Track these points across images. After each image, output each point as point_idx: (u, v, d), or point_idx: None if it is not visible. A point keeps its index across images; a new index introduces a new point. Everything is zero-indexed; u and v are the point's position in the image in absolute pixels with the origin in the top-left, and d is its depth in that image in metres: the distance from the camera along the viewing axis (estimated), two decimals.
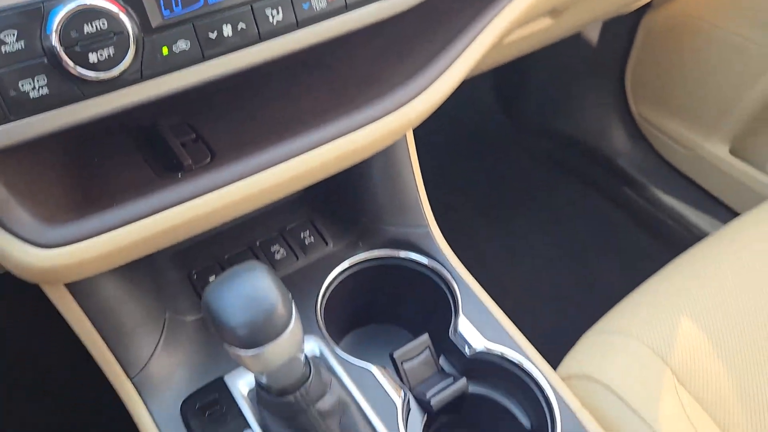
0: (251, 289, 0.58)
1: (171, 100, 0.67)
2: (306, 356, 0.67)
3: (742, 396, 0.84)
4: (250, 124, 0.74)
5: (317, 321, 0.84)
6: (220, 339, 0.59)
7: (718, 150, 1.59)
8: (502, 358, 0.82)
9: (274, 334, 0.58)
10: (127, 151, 0.70)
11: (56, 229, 0.61)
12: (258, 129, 0.73)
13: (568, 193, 1.84)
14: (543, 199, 1.84)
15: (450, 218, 0.95)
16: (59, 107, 0.56)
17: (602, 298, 1.07)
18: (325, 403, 0.69)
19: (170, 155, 0.70)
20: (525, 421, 0.83)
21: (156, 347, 0.78)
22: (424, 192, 0.92)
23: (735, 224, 1.10)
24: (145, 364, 0.76)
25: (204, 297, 0.58)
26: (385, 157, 0.89)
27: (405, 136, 0.90)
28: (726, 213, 1.61)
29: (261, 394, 0.68)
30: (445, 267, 0.90)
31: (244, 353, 0.58)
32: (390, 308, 0.97)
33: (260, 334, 0.57)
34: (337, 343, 0.85)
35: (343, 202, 0.95)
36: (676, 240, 1.63)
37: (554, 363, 0.87)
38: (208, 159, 0.70)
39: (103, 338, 0.73)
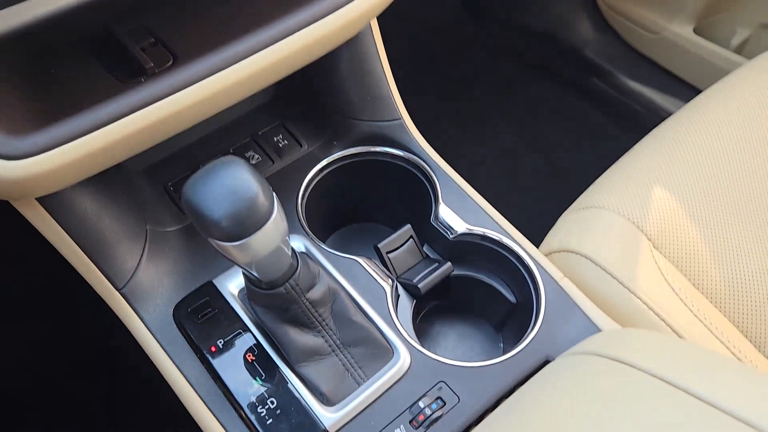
0: (231, 180, 0.57)
1: (124, 4, 0.64)
2: (293, 248, 0.68)
3: (713, 254, 0.87)
4: (210, 24, 0.71)
5: (299, 221, 0.85)
6: (204, 235, 0.59)
7: (683, 30, 1.59)
8: (484, 237, 0.84)
9: (259, 224, 0.58)
10: (86, 61, 0.68)
11: (24, 139, 0.59)
12: (219, 28, 0.70)
13: (535, 88, 1.83)
14: (511, 95, 1.83)
15: (417, 119, 0.94)
16: (4, 8, 0.54)
17: (576, 183, 1.08)
18: (316, 293, 0.70)
19: (131, 60, 0.67)
20: (510, 297, 0.85)
21: (141, 258, 0.77)
22: (394, 83, 0.91)
23: (699, 99, 1.11)
24: (132, 275, 0.76)
25: (183, 194, 0.58)
26: (352, 51, 0.87)
27: (370, 26, 0.87)
28: (691, 93, 1.62)
29: (252, 289, 0.69)
30: (421, 158, 0.90)
31: (231, 245, 0.59)
32: (371, 206, 0.98)
33: (244, 224, 0.58)
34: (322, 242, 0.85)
35: (314, 102, 0.93)
36: (644, 124, 1.64)
37: (535, 244, 0.89)
38: (170, 61, 0.68)
39: (86, 253, 0.73)
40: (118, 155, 0.66)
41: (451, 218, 0.86)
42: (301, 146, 0.92)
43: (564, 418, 0.58)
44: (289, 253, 0.65)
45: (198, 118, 0.70)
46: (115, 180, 0.79)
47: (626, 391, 0.58)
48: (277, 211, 0.60)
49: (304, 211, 0.87)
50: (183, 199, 0.58)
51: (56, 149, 0.60)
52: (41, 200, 0.68)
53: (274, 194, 0.60)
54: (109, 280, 0.75)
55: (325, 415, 0.69)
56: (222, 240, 0.59)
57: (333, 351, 0.72)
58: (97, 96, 0.64)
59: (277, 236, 0.61)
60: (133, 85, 0.65)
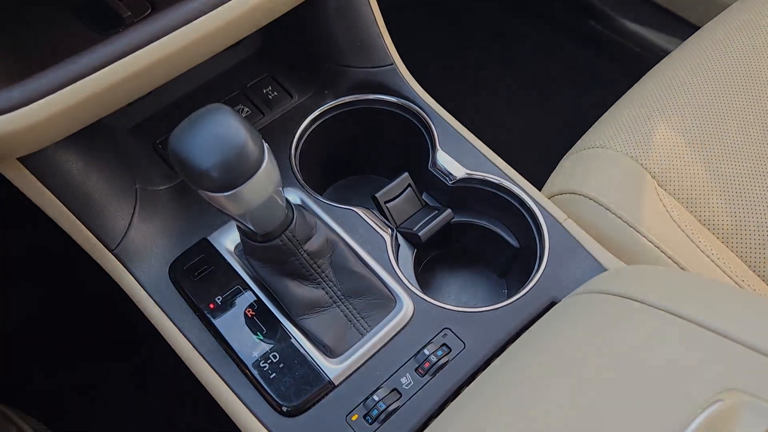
0: (218, 128, 0.55)
1: None
2: (287, 199, 0.66)
3: (717, 189, 0.85)
4: None
5: (294, 174, 0.83)
6: (195, 187, 0.57)
7: None
8: (485, 181, 0.81)
9: (250, 172, 0.56)
10: (62, 14, 0.65)
11: (2, 94, 0.57)
12: None
13: (532, 32, 1.78)
14: (507, 40, 1.79)
15: (411, 68, 0.91)
16: None
17: (576, 127, 1.05)
18: (314, 244, 0.69)
19: (108, 11, 0.65)
20: (513, 242, 0.84)
21: (132, 218, 0.75)
22: (385, 27, 0.87)
23: (698, 36, 1.08)
24: (124, 236, 0.74)
25: (169, 145, 0.56)
26: None
27: None
28: (690, 31, 1.57)
29: (248, 243, 0.67)
30: (416, 103, 0.87)
31: (222, 195, 0.56)
32: (367, 156, 0.95)
33: (235, 173, 0.55)
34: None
35: (302, 51, 0.90)
36: (643, 65, 1.61)
37: (537, 189, 0.87)
38: (149, 10, 0.65)
39: (74, 214, 0.71)
40: (99, 109, 0.63)
41: (450, 164, 0.83)
42: (291, 97, 0.89)
43: (573, 356, 0.57)
44: (283, 204, 0.63)
45: (181, 68, 0.67)
46: (101, 139, 0.76)
47: (636, 326, 0.56)
48: (268, 159, 0.57)
49: (298, 163, 0.84)
50: (170, 151, 0.56)
51: (34, 104, 0.57)
52: (24, 161, 0.66)
53: (264, 142, 0.58)
54: (100, 241, 0.73)
55: (330, 366, 0.68)
56: (212, 191, 0.56)
57: (334, 302, 0.71)
58: (75, 48, 0.61)
59: (270, 185, 0.59)
60: (111, 35, 0.62)
